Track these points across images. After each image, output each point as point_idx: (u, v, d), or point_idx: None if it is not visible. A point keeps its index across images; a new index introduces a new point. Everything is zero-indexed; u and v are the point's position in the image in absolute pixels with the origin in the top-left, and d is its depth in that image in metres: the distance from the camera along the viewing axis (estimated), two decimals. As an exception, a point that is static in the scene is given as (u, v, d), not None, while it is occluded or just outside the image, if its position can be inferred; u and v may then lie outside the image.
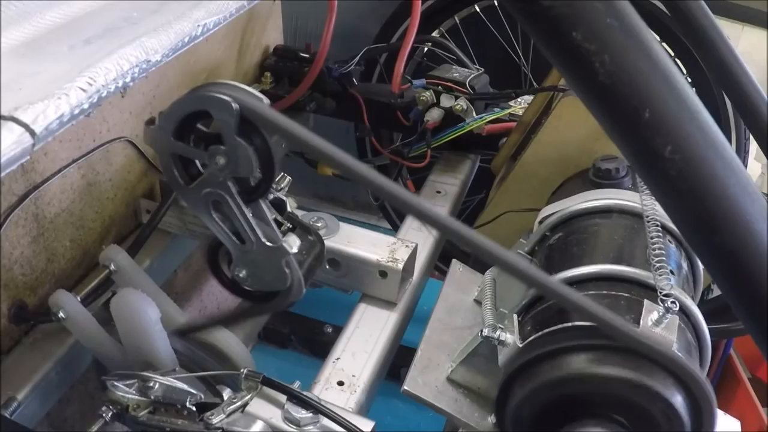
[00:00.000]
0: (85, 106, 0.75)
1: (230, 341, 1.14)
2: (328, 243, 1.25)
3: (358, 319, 1.25)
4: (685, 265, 1.15)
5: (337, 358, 1.18)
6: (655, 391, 0.91)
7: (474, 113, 1.50)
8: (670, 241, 1.15)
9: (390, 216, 2.01)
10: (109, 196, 1.32)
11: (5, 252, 1.12)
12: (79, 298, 1.13)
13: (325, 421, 0.99)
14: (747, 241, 0.59)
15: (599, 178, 1.24)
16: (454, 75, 1.52)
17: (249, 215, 0.98)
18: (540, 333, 1.02)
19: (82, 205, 1.26)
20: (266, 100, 0.88)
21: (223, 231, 1.02)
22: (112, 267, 1.18)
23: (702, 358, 1.06)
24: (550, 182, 1.34)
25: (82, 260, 1.29)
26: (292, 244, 1.00)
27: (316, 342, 1.96)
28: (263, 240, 0.99)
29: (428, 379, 1.16)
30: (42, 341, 1.18)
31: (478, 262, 1.35)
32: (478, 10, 1.79)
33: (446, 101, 1.52)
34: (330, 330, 1.96)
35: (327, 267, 1.27)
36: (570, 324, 0.98)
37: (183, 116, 0.94)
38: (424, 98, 1.52)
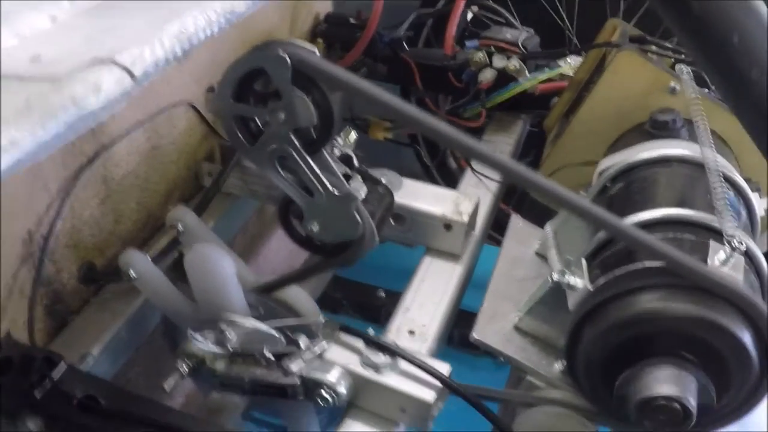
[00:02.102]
0: (179, 53, 0.74)
1: (300, 296, 1.13)
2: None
3: (424, 272, 1.24)
4: (743, 212, 1.14)
5: (407, 309, 1.16)
6: (725, 328, 0.90)
7: (527, 73, 1.48)
8: (728, 189, 1.14)
9: (437, 182, 2.00)
10: (172, 159, 1.31)
11: (76, 213, 1.12)
12: (148, 258, 1.13)
13: (403, 365, 0.98)
14: None
15: (656, 129, 1.23)
16: (507, 36, 1.51)
17: (314, 166, 0.97)
18: (610, 275, 1.01)
19: (146, 167, 1.25)
20: (317, 51, 0.88)
21: (292, 186, 1.01)
22: (180, 227, 1.16)
23: (765, 301, 1.05)
24: (606, 137, 1.32)
25: (147, 222, 1.27)
26: (359, 189, 0.99)
27: (368, 306, 1.93)
28: (331, 189, 0.98)
29: (495, 328, 1.15)
30: (111, 301, 1.16)
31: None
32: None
33: (499, 62, 1.50)
34: (383, 294, 1.94)
35: (391, 222, 1.25)
36: (640, 265, 0.97)
37: (240, 77, 0.93)
38: (477, 59, 1.50)
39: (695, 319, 0.91)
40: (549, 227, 1.26)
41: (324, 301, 1.98)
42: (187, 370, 1.00)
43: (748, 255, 1.00)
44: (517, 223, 1.33)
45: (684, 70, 1.27)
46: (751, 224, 1.15)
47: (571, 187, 1.24)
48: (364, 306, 1.96)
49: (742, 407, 0.98)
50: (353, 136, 1.14)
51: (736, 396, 0.96)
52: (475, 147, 0.80)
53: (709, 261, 0.95)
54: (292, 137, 0.95)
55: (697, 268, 0.89)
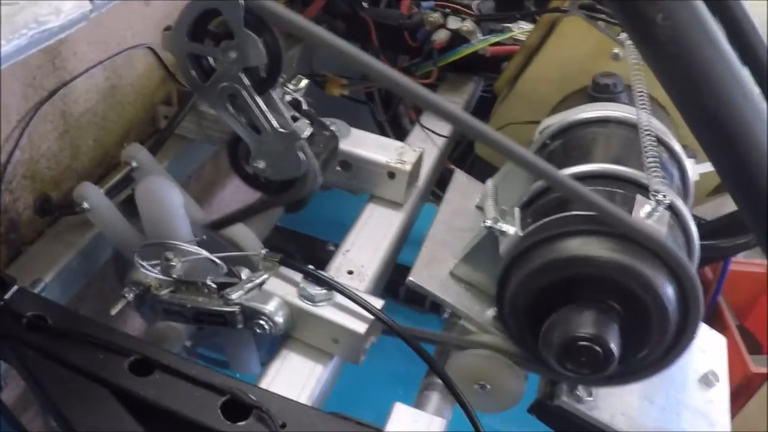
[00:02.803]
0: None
1: (245, 233, 1.17)
2: (340, 146, 1.29)
3: (367, 217, 1.29)
4: (676, 174, 1.20)
5: (347, 250, 1.22)
6: (645, 276, 0.94)
7: (480, 35, 1.53)
8: (663, 152, 1.19)
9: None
10: (130, 100, 1.34)
11: (33, 145, 1.15)
12: (102, 191, 1.16)
13: (339, 298, 1.02)
14: (728, 106, 0.64)
15: (597, 92, 1.28)
16: (462, -2, 1.56)
17: (262, 105, 1.01)
18: (539, 222, 1.06)
19: (105, 106, 1.27)
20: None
21: (240, 124, 1.05)
22: (134, 164, 1.20)
23: (690, 257, 1.10)
24: (550, 99, 1.37)
25: (103, 159, 1.30)
26: (303, 128, 1.03)
27: (319, 259, 1.97)
28: (277, 127, 1.02)
29: (432, 272, 1.20)
30: (64, 233, 1.19)
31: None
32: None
33: (453, 23, 1.54)
34: (333, 248, 1.98)
35: (338, 169, 1.30)
36: (568, 212, 1.02)
37: (195, 17, 0.98)
38: (432, 19, 1.54)
39: (617, 265, 0.95)
40: (490, 182, 1.30)
41: (277, 252, 2.03)
42: (132, 296, 1.04)
43: (674, 212, 1.05)
44: (460, 177, 1.38)
45: (627, 37, 1.32)
46: (683, 186, 1.20)
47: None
48: (315, 258, 1.98)
49: (662, 361, 1.02)
50: (304, 82, 1.19)
51: (655, 348, 1.00)
52: (425, 94, 0.83)
53: (634, 213, 1.00)
54: (242, 76, 0.99)
55: (622, 217, 0.92)
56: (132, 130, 1.37)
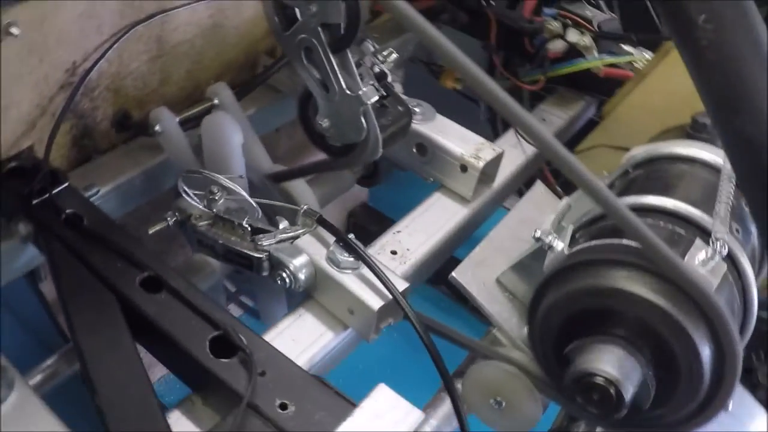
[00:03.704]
0: None
1: (302, 188, 1.19)
2: (420, 128, 1.28)
3: (429, 204, 1.28)
4: (754, 231, 1.13)
5: (398, 231, 1.21)
6: (682, 327, 0.89)
7: (596, 53, 1.49)
8: (746, 205, 1.13)
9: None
10: (232, 42, 1.38)
11: (123, 62, 1.20)
12: (178, 119, 1.21)
13: (364, 270, 1.03)
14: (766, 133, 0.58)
15: (695, 130, 1.22)
16: (587, 13, 1.51)
17: (334, 63, 1.03)
18: (587, 244, 1.03)
19: (204, 42, 1.32)
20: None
21: (312, 78, 1.07)
22: (216, 101, 1.25)
23: (744, 325, 1.04)
24: (648, 129, 1.32)
25: (193, 93, 1.35)
26: (371, 95, 1.03)
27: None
28: (344, 87, 1.03)
29: (478, 273, 1.18)
30: (137, 151, 1.25)
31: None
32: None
33: (572, 36, 1.51)
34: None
35: (414, 151, 1.30)
36: (617, 240, 0.98)
37: None
38: (551, 27, 1.51)
39: (654, 307, 0.90)
40: (566, 199, 1.27)
41: (359, 232, 2.05)
42: (173, 221, 1.08)
43: (736, 268, 0.99)
44: (539, 188, 1.35)
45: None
46: (763, 249, 1.14)
47: (604, 168, 1.27)
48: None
49: (683, 424, 0.97)
50: (393, 56, 1.18)
51: (677, 409, 0.95)
52: (513, 108, 0.81)
53: (687, 257, 0.95)
54: (320, 31, 1.00)
55: (668, 255, 0.88)
56: (229, 71, 1.41)
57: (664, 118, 1.29)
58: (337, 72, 1.02)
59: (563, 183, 1.76)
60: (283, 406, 0.82)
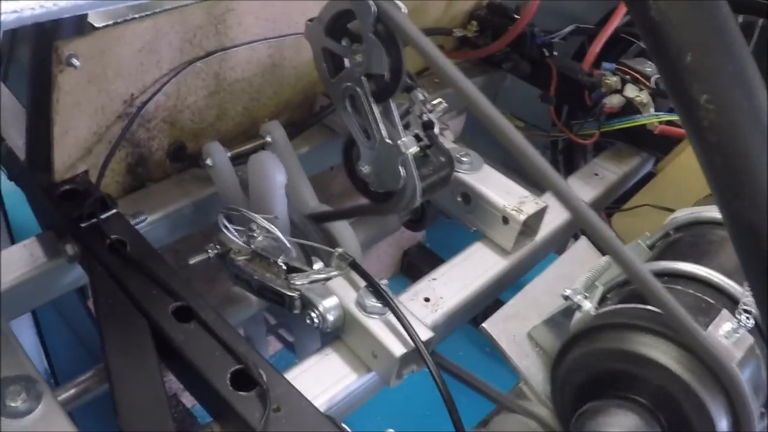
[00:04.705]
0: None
1: (344, 230, 1.25)
2: (466, 177, 1.33)
3: (469, 254, 1.32)
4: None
5: (434, 278, 1.25)
6: (699, 399, 0.91)
7: (652, 109, 1.51)
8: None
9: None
10: (290, 82, 1.45)
11: (181, 96, 1.28)
12: (229, 154, 1.29)
13: (390, 317, 1.07)
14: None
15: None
16: (646, 69, 1.53)
17: (377, 112, 1.08)
18: (614, 307, 1.05)
19: (262, 80, 1.39)
20: (404, 9, 0.98)
21: (355, 125, 1.13)
22: (268, 138, 1.32)
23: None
24: (695, 191, 1.34)
25: (249, 129, 1.42)
26: (410, 145, 1.08)
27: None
28: (384, 136, 1.08)
29: (509, 327, 1.21)
30: (188, 182, 1.33)
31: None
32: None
33: (630, 91, 1.53)
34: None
35: (459, 200, 1.34)
36: (642, 306, 1.01)
37: (333, 14, 1.06)
38: (609, 82, 1.54)
39: (671, 374, 0.93)
40: (605, 258, 1.30)
41: (412, 270, 2.10)
42: (213, 254, 1.15)
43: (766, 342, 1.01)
44: (582, 243, 1.38)
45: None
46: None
47: (649, 226, 1.29)
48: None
49: None
50: (443, 106, 1.24)
51: None
52: (533, 157, 0.84)
53: (711, 327, 0.97)
54: (364, 80, 1.06)
55: (689, 325, 0.89)
56: (286, 109, 1.49)
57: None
58: (378, 121, 1.08)
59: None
60: (293, 442, 0.87)
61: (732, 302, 1.02)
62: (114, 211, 1.13)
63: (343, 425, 0.92)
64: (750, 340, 0.96)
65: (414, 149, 1.09)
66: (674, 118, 1.50)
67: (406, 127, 1.16)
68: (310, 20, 1.10)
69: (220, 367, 0.94)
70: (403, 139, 1.09)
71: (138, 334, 0.98)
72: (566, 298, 1.10)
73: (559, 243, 1.46)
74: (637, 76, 1.52)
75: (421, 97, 1.22)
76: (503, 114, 1.67)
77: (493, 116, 0.82)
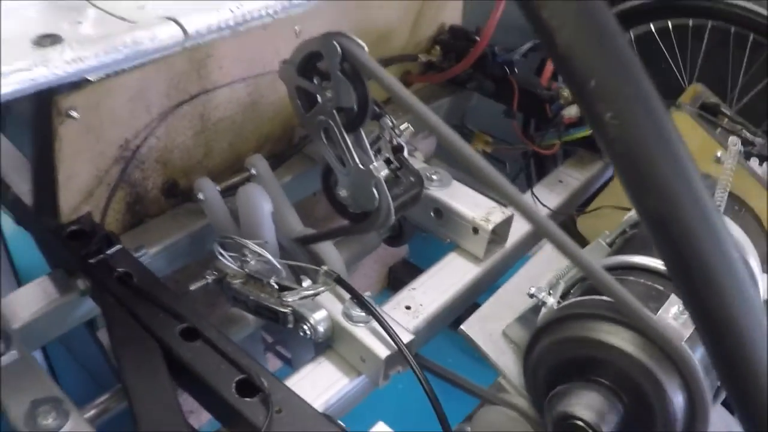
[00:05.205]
0: (231, 23, 0.99)
1: (328, 250, 1.38)
2: (436, 193, 1.47)
3: (445, 263, 1.46)
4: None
5: (413, 288, 1.39)
6: (654, 376, 1.04)
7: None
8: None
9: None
10: (269, 116, 1.59)
11: (170, 137, 1.42)
12: (219, 188, 1.42)
13: (375, 324, 1.21)
14: (675, 208, 0.71)
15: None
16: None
17: (349, 142, 1.22)
18: (575, 299, 1.19)
19: (243, 117, 1.53)
20: (365, 48, 1.12)
21: (331, 154, 1.26)
22: (253, 171, 1.45)
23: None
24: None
25: (235, 163, 1.55)
26: (381, 169, 1.22)
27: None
28: (357, 162, 1.22)
29: (486, 327, 1.34)
30: (183, 216, 1.46)
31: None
32: (653, 29, 1.93)
33: (585, 102, 1.67)
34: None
35: (432, 215, 1.48)
36: (599, 297, 1.15)
37: (304, 55, 1.21)
38: (566, 94, 1.68)
39: (628, 356, 1.07)
40: (570, 259, 1.43)
41: (397, 284, 2.23)
42: (211, 279, 1.28)
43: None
44: (549, 247, 1.51)
45: (734, 142, 1.40)
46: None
47: (605, 228, 1.42)
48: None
49: None
50: (409, 131, 1.37)
51: None
52: (478, 162, 0.96)
53: (661, 311, 1.11)
54: (335, 113, 1.20)
55: (638, 310, 1.02)
56: (268, 143, 1.63)
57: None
58: (351, 149, 1.22)
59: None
60: (294, 439, 1.01)
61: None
62: (119, 246, 1.27)
63: (339, 422, 1.05)
64: (694, 320, 1.10)
65: (385, 172, 1.23)
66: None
67: (378, 152, 1.30)
68: (284, 62, 1.24)
69: (226, 378, 1.07)
70: (375, 164, 1.22)
71: (150, 354, 1.11)
72: (531, 296, 1.24)
73: (529, 247, 1.59)
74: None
75: (389, 123, 1.36)
76: (472, 131, 1.82)
77: (449, 137, 0.97)
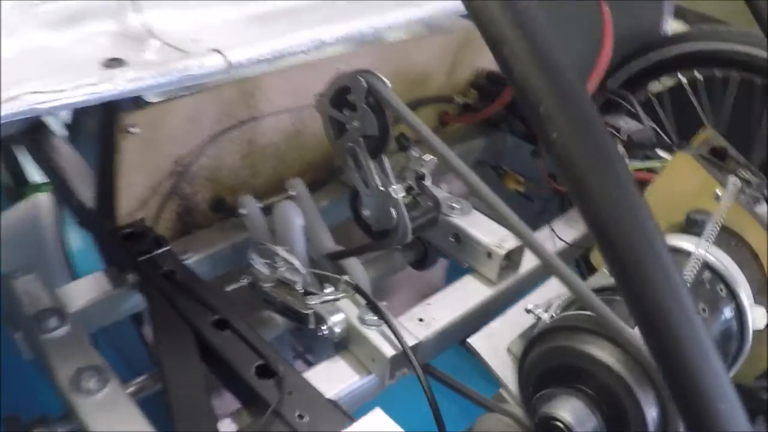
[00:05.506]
0: (269, 57, 1.18)
1: (355, 266, 1.54)
2: (457, 220, 1.62)
3: (460, 284, 1.60)
4: (729, 314, 1.38)
5: (429, 303, 1.53)
6: (630, 388, 1.16)
7: (626, 160, 1.77)
8: (721, 290, 1.40)
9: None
10: (311, 146, 1.77)
11: (219, 158, 1.61)
12: (260, 205, 1.60)
13: (386, 329, 1.36)
14: (614, 215, 0.80)
15: (687, 226, 1.48)
16: (620, 123, 1.80)
17: (372, 166, 1.39)
18: (566, 314, 1.33)
19: (287, 145, 1.72)
20: (389, 85, 1.30)
21: (356, 177, 1.43)
22: (292, 192, 1.63)
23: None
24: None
25: (278, 185, 1.71)
26: (399, 192, 1.38)
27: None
28: (378, 185, 1.39)
29: (492, 342, 1.46)
30: (228, 229, 1.65)
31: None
32: (682, 79, 2.06)
33: (606, 145, 1.81)
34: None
35: (451, 240, 1.64)
36: (585, 312, 1.28)
37: (335, 90, 1.39)
38: (586, 137, 1.82)
39: (606, 367, 1.19)
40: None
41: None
42: (246, 282, 1.45)
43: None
44: (559, 275, 1.65)
45: (733, 181, 1.52)
46: (731, 329, 1.39)
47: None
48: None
49: None
50: (432, 163, 1.54)
51: None
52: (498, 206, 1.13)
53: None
54: (361, 140, 1.38)
55: (617, 324, 1.15)
56: (310, 170, 1.81)
57: (667, 216, 1.55)
58: (373, 172, 1.39)
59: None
60: (301, 417, 1.16)
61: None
62: (166, 248, 1.45)
63: (340, 404, 1.21)
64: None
65: (402, 194, 1.40)
66: (645, 166, 1.77)
67: (403, 179, 1.48)
68: (319, 95, 1.42)
69: (248, 363, 1.24)
70: (394, 186, 1.39)
71: (185, 340, 1.29)
72: (528, 311, 1.38)
73: (544, 276, 1.72)
74: (611, 130, 1.78)
75: (415, 155, 1.53)
76: (505, 170, 1.97)
77: (461, 169, 1.14)
